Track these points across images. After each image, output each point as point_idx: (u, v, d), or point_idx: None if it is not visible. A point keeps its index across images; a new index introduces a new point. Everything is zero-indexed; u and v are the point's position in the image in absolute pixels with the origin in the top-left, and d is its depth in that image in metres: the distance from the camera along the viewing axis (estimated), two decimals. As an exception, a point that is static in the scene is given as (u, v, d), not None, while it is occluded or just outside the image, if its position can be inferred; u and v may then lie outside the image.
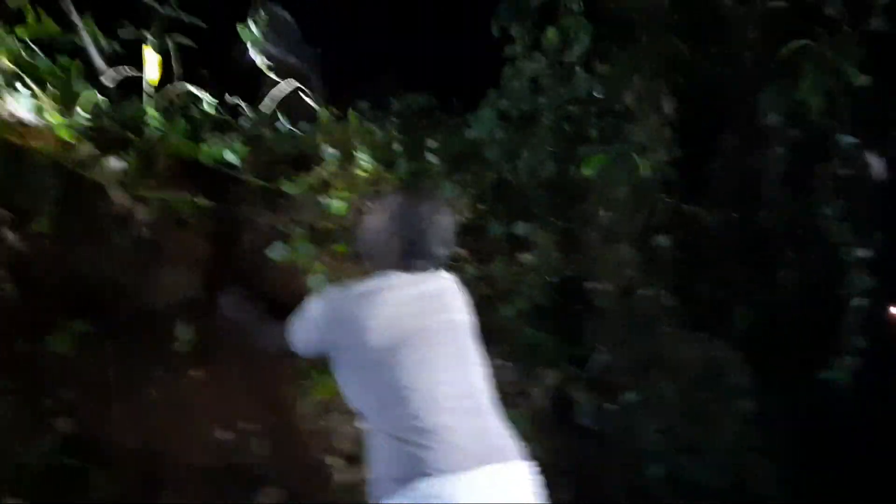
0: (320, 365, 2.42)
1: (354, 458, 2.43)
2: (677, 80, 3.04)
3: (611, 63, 2.96)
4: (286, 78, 3.66)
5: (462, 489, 1.54)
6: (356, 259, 2.52)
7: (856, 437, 3.20)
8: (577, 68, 2.89)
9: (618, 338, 3.10)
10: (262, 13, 2.66)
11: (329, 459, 2.39)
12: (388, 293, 1.74)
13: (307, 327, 1.84)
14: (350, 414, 2.47)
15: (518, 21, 2.92)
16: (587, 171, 2.68)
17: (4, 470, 2.04)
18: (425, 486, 1.53)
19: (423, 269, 1.84)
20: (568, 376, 2.97)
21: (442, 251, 1.86)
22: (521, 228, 2.93)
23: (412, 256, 1.82)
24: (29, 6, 2.25)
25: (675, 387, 3.16)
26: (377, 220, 1.89)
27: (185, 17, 2.45)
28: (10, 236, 2.17)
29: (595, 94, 2.93)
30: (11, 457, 2.07)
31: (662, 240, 3.09)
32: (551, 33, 2.86)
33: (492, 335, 2.01)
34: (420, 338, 1.71)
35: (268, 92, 3.18)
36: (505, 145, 2.91)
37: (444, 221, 1.86)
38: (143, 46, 2.40)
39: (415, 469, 1.56)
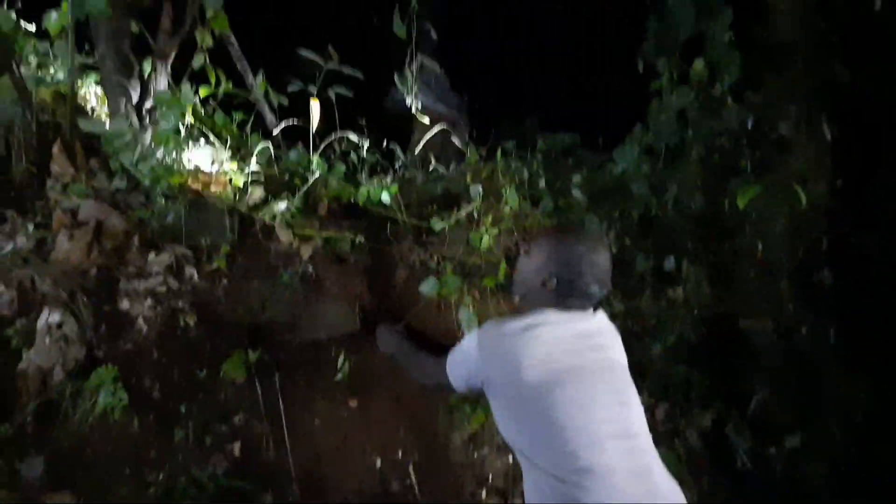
0: (472, 398, 2.49)
1: (505, 492, 2.45)
2: (836, 105, 2.89)
3: (763, 92, 2.86)
4: (436, 123, 3.84)
5: None
6: (503, 293, 2.58)
7: None
8: (728, 99, 2.81)
9: (778, 377, 2.94)
10: (415, 65, 2.79)
11: (481, 492, 2.41)
12: (544, 330, 1.74)
13: (463, 361, 1.85)
14: (501, 448, 2.52)
15: (664, 55, 2.90)
16: (741, 203, 2.59)
17: (182, 489, 2.21)
18: None
19: (579, 307, 1.83)
20: (724, 416, 2.84)
21: (598, 290, 1.83)
22: (669, 263, 2.87)
23: (568, 295, 1.81)
24: (210, 67, 2.49)
25: (843, 429, 2.94)
26: (533, 259, 1.88)
27: (347, 70, 2.61)
28: (193, 273, 2.38)
29: (747, 124, 2.83)
30: (188, 477, 2.23)
31: (825, 274, 2.92)
32: (698, 65, 2.82)
33: (640, 372, 1.96)
34: (576, 376, 1.69)
35: (419, 136, 3.34)
36: (651, 179, 2.88)
37: (601, 260, 1.83)
38: (311, 99, 2.59)
39: None
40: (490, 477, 2.46)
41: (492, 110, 4.23)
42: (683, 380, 2.77)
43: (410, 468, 2.40)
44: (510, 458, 2.49)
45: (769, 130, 2.94)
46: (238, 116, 2.86)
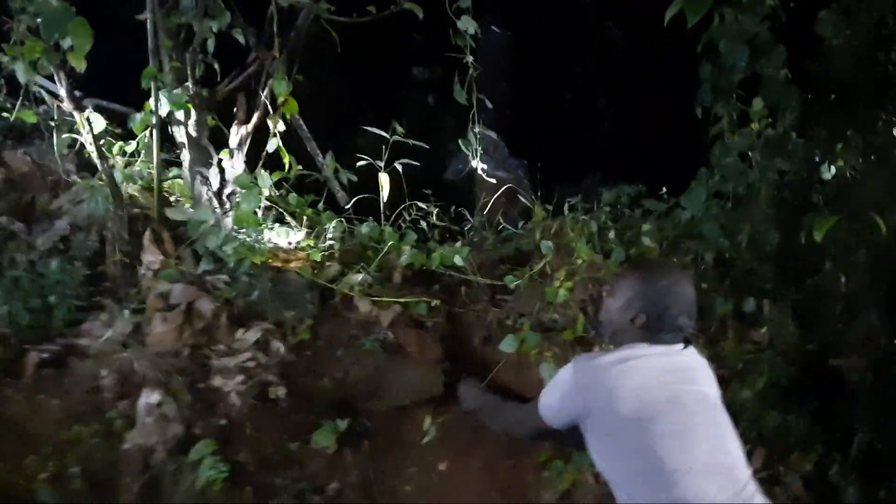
0: (562, 454, 2.46)
1: (603, 550, 2.39)
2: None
3: (826, 125, 2.85)
4: (495, 188, 3.92)
5: None
6: (582, 347, 2.57)
7: None
8: (792, 135, 2.81)
9: (879, 415, 2.81)
10: (471, 132, 2.89)
11: (578, 551, 2.35)
12: (638, 362, 1.74)
13: (557, 395, 1.85)
14: (596, 498, 2.47)
15: (720, 99, 2.92)
16: (818, 236, 2.55)
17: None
18: None
19: (670, 342, 1.83)
20: (826, 460, 2.72)
21: (687, 322, 1.83)
22: (749, 305, 2.82)
23: (659, 330, 1.81)
24: (283, 150, 2.63)
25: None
26: (619, 298, 1.89)
27: (412, 142, 2.72)
28: (279, 347, 2.46)
29: (814, 159, 2.82)
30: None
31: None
32: (758, 105, 2.83)
33: (732, 418, 1.92)
34: (672, 408, 1.68)
35: (485, 199, 3.42)
36: (721, 221, 2.86)
37: (687, 292, 1.83)
38: (379, 173, 2.70)
39: None
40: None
41: (552, 172, 4.29)
42: (778, 424, 2.68)
43: (508, 531, 2.37)
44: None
45: (836, 163, 2.91)
46: (309, 197, 2.99)
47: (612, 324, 1.93)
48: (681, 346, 1.86)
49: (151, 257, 2.56)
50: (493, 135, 4.64)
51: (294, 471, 2.37)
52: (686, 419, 1.69)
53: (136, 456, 2.17)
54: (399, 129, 2.81)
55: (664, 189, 3.41)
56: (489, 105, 3.53)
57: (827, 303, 2.91)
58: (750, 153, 2.93)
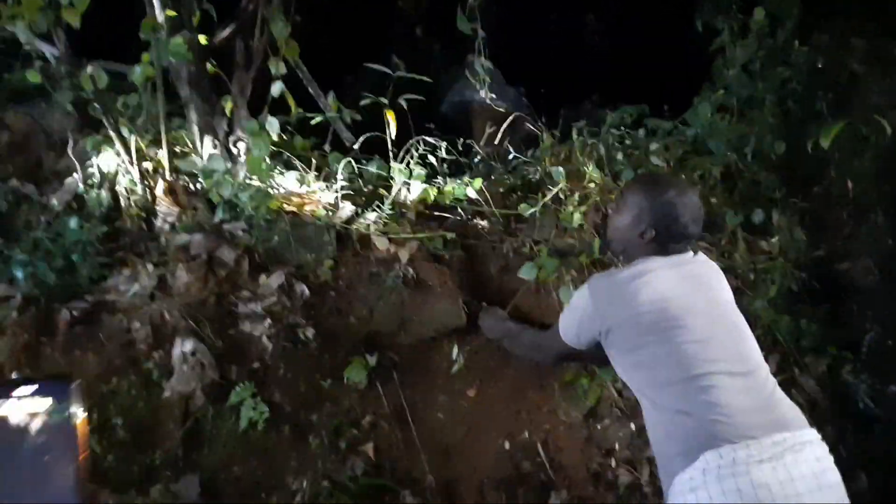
0: (586, 373, 2.53)
1: (631, 460, 2.48)
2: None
3: (829, 31, 2.84)
4: (492, 118, 3.89)
5: (753, 456, 1.53)
6: (600, 268, 2.62)
7: None
8: (795, 43, 2.81)
9: (886, 315, 2.90)
10: (477, 61, 2.86)
11: (609, 462, 2.45)
12: (653, 275, 1.79)
13: (577, 316, 1.91)
14: (620, 418, 2.56)
15: (721, 11, 2.91)
16: (825, 143, 2.57)
17: (327, 492, 2.30)
18: (715, 457, 1.54)
19: (680, 251, 1.88)
20: (838, 361, 2.81)
21: (695, 230, 1.87)
22: (759, 216, 2.86)
23: (668, 241, 1.85)
24: (288, 94, 2.60)
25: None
26: (626, 214, 1.92)
27: (416, 77, 2.70)
28: (303, 289, 2.49)
29: (817, 66, 2.82)
30: (329, 481, 2.33)
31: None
32: (759, 14, 2.81)
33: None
34: (690, 315, 1.73)
35: (489, 128, 3.41)
36: (727, 135, 2.88)
37: (692, 201, 1.87)
38: (385, 110, 2.68)
39: (707, 439, 1.57)
40: (616, 446, 2.49)
41: (551, 97, 4.27)
42: (792, 329, 2.76)
43: (539, 447, 2.45)
44: (631, 426, 2.52)
45: (840, 69, 2.92)
46: (314, 139, 2.98)
47: (623, 241, 1.97)
48: (691, 254, 1.91)
49: (166, 209, 2.57)
50: (489, 63, 4.58)
51: (329, 407, 2.44)
52: (705, 324, 1.74)
53: (176, 403, 2.22)
54: (400, 63, 2.78)
55: (666, 107, 3.41)
56: (482, 34, 3.49)
57: (833, 208, 2.96)
58: (752, 65, 2.93)
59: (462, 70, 4.74)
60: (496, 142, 3.29)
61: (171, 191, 2.60)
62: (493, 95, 3.04)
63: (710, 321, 1.76)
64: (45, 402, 1.66)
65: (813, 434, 1.64)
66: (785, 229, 2.85)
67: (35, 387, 1.68)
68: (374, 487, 2.35)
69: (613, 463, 2.45)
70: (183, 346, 2.25)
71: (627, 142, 3.00)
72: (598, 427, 2.51)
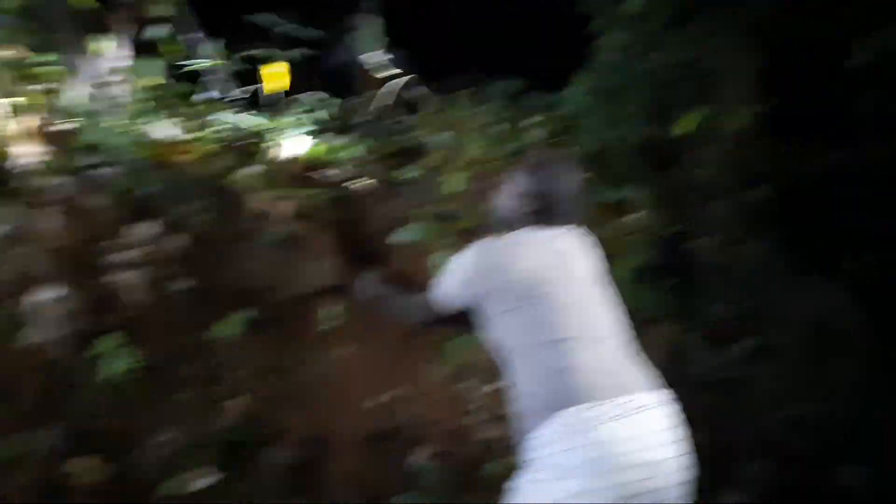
0: (454, 337, 2.64)
1: (490, 418, 2.63)
2: (765, 35, 3.11)
3: (697, 25, 3.05)
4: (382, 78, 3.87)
5: (603, 414, 1.68)
6: (478, 235, 2.72)
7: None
8: (666, 33, 2.99)
9: (728, 290, 3.20)
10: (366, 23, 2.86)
11: (469, 419, 2.58)
12: (531, 244, 1.93)
13: (458, 278, 2.02)
14: (482, 377, 2.70)
15: (598, -3, 3.06)
16: (680, 130, 2.79)
17: (191, 446, 2.31)
18: (570, 414, 1.69)
19: (559, 224, 2.01)
20: (683, 330, 3.07)
21: (574, 207, 2.02)
22: (623, 193, 3.06)
23: (548, 215, 1.99)
24: (169, 38, 2.51)
25: (789, 333, 3.23)
26: (510, 188, 2.05)
27: (303, 34, 2.67)
28: (178, 241, 2.44)
29: (685, 57, 3.02)
30: (198, 434, 2.33)
31: (763, 190, 3.17)
32: (633, 2, 2.98)
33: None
34: (559, 284, 1.88)
35: (372, 90, 3.42)
36: (601, 116, 3.04)
37: (572, 180, 2.02)
38: (269, 63, 2.64)
39: (560, 400, 1.71)
40: (476, 404, 2.64)
41: (434, 63, 4.30)
42: (646, 299, 2.99)
43: (407, 404, 2.55)
44: (490, 386, 2.67)
45: (704, 61, 3.14)
46: (195, 87, 2.89)
47: (506, 213, 2.09)
48: (569, 228, 2.05)
49: (25, 150, 2.42)
50: (376, 22, 4.55)
51: (201, 361, 2.42)
52: (571, 293, 1.89)
53: (37, 352, 2.14)
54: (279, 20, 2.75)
55: (546, 84, 3.55)
56: None
57: (687, 190, 3.21)
58: (627, 50, 3.11)
59: (350, 26, 4.69)
60: (382, 104, 3.31)
61: (31, 131, 2.45)
62: (384, 57, 3.05)
63: (576, 290, 1.91)
64: None
65: (661, 396, 1.81)
66: (646, 207, 3.07)
67: None
68: (242, 442, 2.37)
69: (474, 420, 2.59)
70: (46, 294, 2.17)
71: (509, 113, 3.11)
72: (462, 386, 2.64)
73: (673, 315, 3.06)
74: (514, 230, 2.02)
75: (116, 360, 2.14)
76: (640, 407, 1.74)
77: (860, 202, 3.31)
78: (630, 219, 3.00)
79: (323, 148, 2.81)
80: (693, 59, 3.12)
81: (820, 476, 3.07)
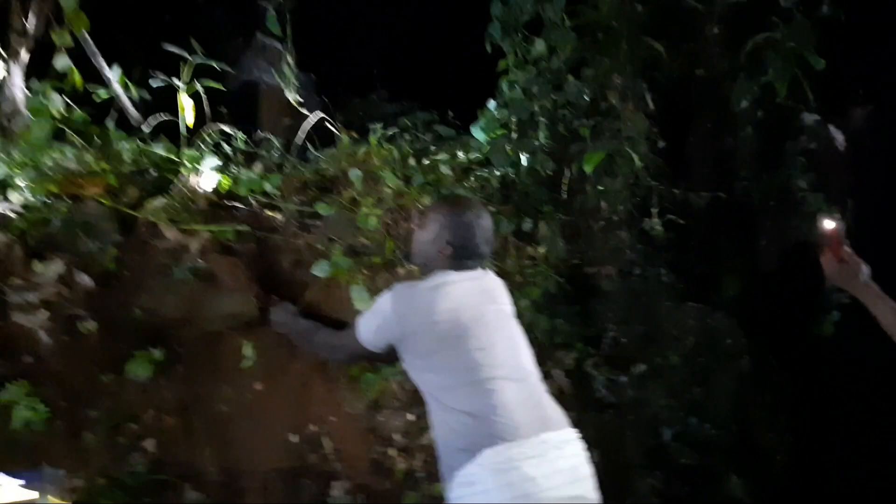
0: (371, 368, 2.68)
1: (408, 448, 2.69)
2: (655, 78, 3.33)
3: (594, 67, 3.23)
4: (285, 104, 3.89)
5: (524, 453, 1.78)
6: (390, 269, 2.78)
7: (844, 383, 3.53)
8: (567, 75, 3.16)
9: (623, 316, 3.39)
10: (285, 65, 2.87)
11: (387, 451, 2.63)
12: (450, 287, 2.00)
13: (377, 321, 2.06)
14: (399, 409, 2.75)
15: (507, 37, 3.18)
16: (588, 168, 2.96)
17: (104, 488, 2.24)
18: (492, 454, 1.77)
19: (473, 267, 2.10)
20: (584, 356, 3.23)
21: (487, 250, 2.12)
22: (527, 224, 3.20)
23: (464, 258, 2.07)
24: (73, 68, 2.44)
25: (678, 355, 3.46)
26: (428, 231, 2.12)
27: (217, 64, 2.65)
28: (83, 279, 2.37)
29: (584, 97, 3.20)
30: (108, 478, 2.27)
31: (655, 222, 3.38)
32: (539, 45, 3.13)
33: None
34: (479, 326, 1.97)
35: (270, 114, 3.42)
36: (507, 151, 3.17)
37: (486, 224, 2.12)
38: (178, 93, 2.61)
39: (482, 440, 1.79)
40: (394, 436, 2.68)
41: (340, 86, 4.34)
42: (548, 327, 3.13)
43: (322, 439, 2.57)
44: (408, 416, 2.73)
45: (601, 101, 3.33)
46: (100, 117, 2.81)
47: (423, 255, 2.18)
48: (482, 270, 2.15)
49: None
50: (277, 44, 4.53)
51: (108, 402, 2.35)
52: (490, 334, 1.99)
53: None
54: (199, 47, 2.72)
55: (451, 114, 3.67)
56: (272, 12, 3.47)
57: (588, 222, 3.39)
58: (532, 88, 3.25)
59: (248, 44, 4.65)
60: (292, 135, 3.32)
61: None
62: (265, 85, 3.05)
63: (495, 331, 2.00)
64: None
65: (572, 433, 1.93)
66: (549, 238, 3.22)
67: None
68: (153, 483, 2.32)
69: (392, 452, 2.64)
70: (-58, 340, 2.06)
71: (418, 146, 3.18)
72: (379, 417, 2.69)
73: (573, 341, 3.21)
74: (431, 272, 2.10)
75: (25, 409, 2.05)
76: (558, 444, 1.85)
77: (738, 233, 3.60)
78: (533, 249, 3.14)
79: (233, 180, 2.79)
80: (592, 99, 3.29)
81: (709, 488, 3.30)
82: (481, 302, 2.05)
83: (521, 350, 2.05)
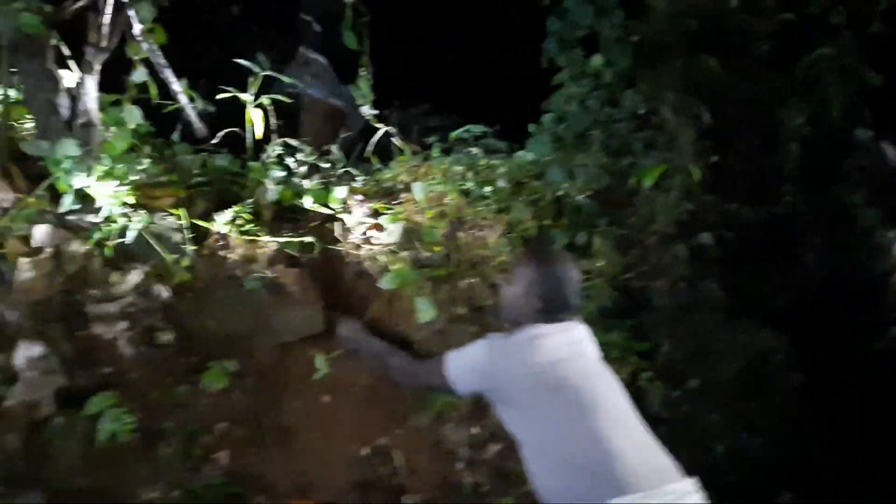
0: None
1: (473, 462, 2.68)
2: (708, 93, 3.34)
3: (648, 81, 3.25)
4: (329, 115, 3.92)
5: None
6: (452, 279, 2.79)
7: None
8: (622, 89, 3.18)
9: (677, 330, 3.38)
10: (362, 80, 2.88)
11: (454, 464, 2.62)
12: (545, 340, 1.99)
13: (471, 367, 2.06)
14: (462, 422, 2.75)
15: (564, 51, 3.20)
16: (648, 182, 2.97)
17: (179, 501, 2.24)
18: None
19: (563, 319, 2.09)
20: (638, 370, 3.23)
21: (577, 302, 2.14)
22: (581, 238, 3.21)
23: (554, 311, 2.08)
24: (151, 81, 2.46)
25: (730, 369, 3.45)
26: (518, 285, 2.13)
27: (285, 79, 2.68)
28: (160, 290, 2.38)
29: (639, 111, 3.21)
30: (183, 489, 2.27)
31: (707, 237, 3.38)
32: (597, 60, 3.15)
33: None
34: (578, 376, 1.95)
35: (313, 125, 3.44)
36: (561, 164, 3.18)
37: (575, 276, 2.15)
38: (248, 106, 2.63)
39: (601, 493, 1.72)
40: (459, 448, 2.68)
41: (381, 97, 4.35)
42: (603, 342, 3.12)
43: (392, 452, 2.56)
44: (472, 429, 2.72)
45: (654, 116, 3.35)
46: (169, 129, 2.84)
47: (514, 308, 2.16)
48: (572, 322, 2.14)
49: (1, 195, 2.32)
50: (321, 58, 4.57)
51: (182, 413, 2.36)
52: (587, 386, 1.94)
53: (21, 412, 2.04)
54: (266, 62, 2.74)
55: (498, 127, 3.69)
56: (317, 28, 3.49)
57: (643, 236, 3.39)
58: (586, 102, 3.27)
59: (286, 57, 4.68)
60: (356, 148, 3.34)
61: (6, 175, 2.34)
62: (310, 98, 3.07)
63: (590, 380, 1.97)
64: None
65: (693, 484, 1.86)
66: (603, 252, 3.22)
67: None
68: (228, 495, 2.32)
69: (458, 465, 2.63)
70: (28, 350, 2.07)
71: (481, 162, 3.20)
72: (444, 430, 2.68)
73: (628, 356, 3.20)
74: (523, 325, 2.09)
75: (112, 420, 2.06)
76: (683, 494, 1.79)
77: (790, 248, 3.59)
78: (587, 263, 3.14)
79: (297, 192, 2.81)
80: (646, 113, 3.31)
81: (760, 505, 3.28)
82: (576, 353, 2.04)
83: (622, 397, 2.02)
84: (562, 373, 1.95)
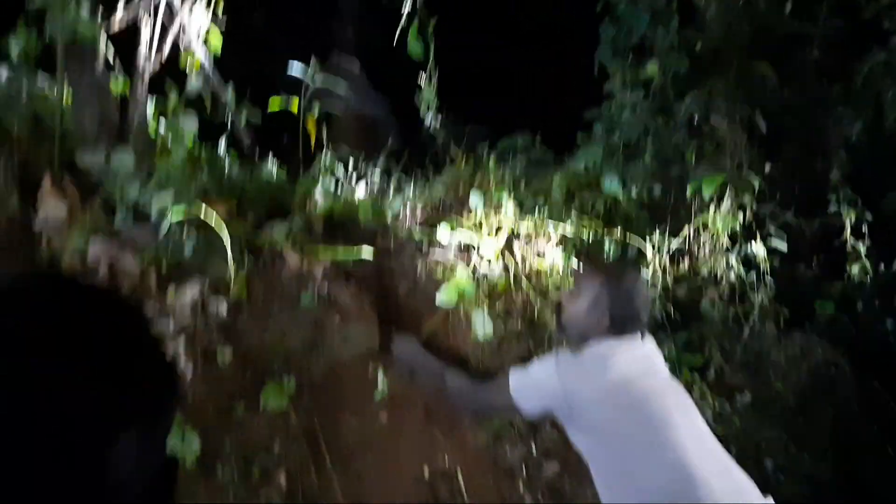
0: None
1: (532, 480, 2.61)
2: (761, 100, 3.27)
3: (704, 90, 3.18)
4: (363, 123, 3.85)
5: None
6: (510, 293, 2.72)
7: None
8: (675, 97, 3.11)
9: (728, 342, 3.31)
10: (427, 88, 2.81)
11: (514, 483, 2.55)
12: (615, 358, 1.92)
13: (540, 388, 1.99)
14: (519, 440, 2.67)
15: (617, 58, 3.13)
16: (707, 192, 2.89)
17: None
18: None
19: (633, 334, 2.02)
20: (690, 384, 3.15)
21: (644, 317, 2.05)
22: (631, 249, 3.14)
23: (623, 326, 2.00)
24: (206, 93, 2.40)
25: (782, 384, 3.37)
26: (583, 301, 2.05)
27: (336, 90, 2.61)
28: (217, 306, 2.31)
29: (693, 120, 3.14)
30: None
31: (760, 247, 3.31)
32: (652, 67, 3.07)
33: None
34: (652, 393, 1.88)
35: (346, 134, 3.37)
36: (612, 172, 3.11)
37: (642, 290, 2.05)
38: (308, 117, 2.57)
39: None
40: (518, 468, 2.60)
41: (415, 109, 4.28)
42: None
43: (452, 472, 2.49)
44: (529, 447, 2.65)
45: (706, 124, 3.28)
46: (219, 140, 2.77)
47: (580, 326, 2.09)
48: (640, 337, 2.06)
49: (53, 209, 2.25)
50: (355, 66, 4.50)
51: (239, 433, 2.28)
52: (661, 405, 1.88)
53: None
54: (319, 73, 2.68)
55: (539, 136, 3.63)
56: (350, 34, 3.43)
57: (695, 245, 3.32)
58: (638, 109, 3.20)
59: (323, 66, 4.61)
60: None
61: (58, 187, 2.27)
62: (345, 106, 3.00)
63: (663, 399, 1.90)
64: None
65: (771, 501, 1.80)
66: (655, 261, 3.15)
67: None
68: (288, 518, 2.25)
69: (518, 485, 2.56)
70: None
71: (528, 168, 3.13)
72: (502, 450, 2.60)
73: (680, 368, 3.13)
74: (589, 342, 2.02)
75: (177, 442, 1.98)
76: None
77: (844, 259, 3.52)
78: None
79: (364, 206, 2.74)
80: (698, 122, 3.24)
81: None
82: (648, 369, 1.98)
83: (698, 416, 1.94)
84: (636, 392, 1.88)
